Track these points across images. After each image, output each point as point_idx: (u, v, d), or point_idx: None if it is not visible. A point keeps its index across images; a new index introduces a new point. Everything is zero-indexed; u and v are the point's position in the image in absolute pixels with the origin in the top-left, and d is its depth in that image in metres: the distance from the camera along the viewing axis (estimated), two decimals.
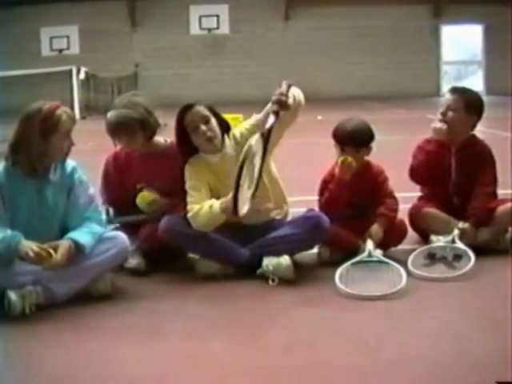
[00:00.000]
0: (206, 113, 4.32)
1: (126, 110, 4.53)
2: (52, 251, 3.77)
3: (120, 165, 4.73)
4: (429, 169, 4.75)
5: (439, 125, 4.73)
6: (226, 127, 4.43)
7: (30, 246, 3.74)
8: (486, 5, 26.85)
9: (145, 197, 4.51)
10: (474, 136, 4.89)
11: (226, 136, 4.41)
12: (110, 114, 4.60)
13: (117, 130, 4.56)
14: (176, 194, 4.43)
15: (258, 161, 3.80)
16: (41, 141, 3.87)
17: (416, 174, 4.85)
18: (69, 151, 4.01)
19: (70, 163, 4.12)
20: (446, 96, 4.89)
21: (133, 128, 4.54)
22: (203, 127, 4.28)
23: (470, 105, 4.77)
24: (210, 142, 4.31)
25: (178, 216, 4.29)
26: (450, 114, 4.72)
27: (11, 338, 3.52)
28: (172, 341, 3.42)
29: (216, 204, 4.12)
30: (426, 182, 4.86)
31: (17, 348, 3.40)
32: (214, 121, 4.33)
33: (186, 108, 4.33)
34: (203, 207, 4.17)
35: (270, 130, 3.84)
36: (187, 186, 4.33)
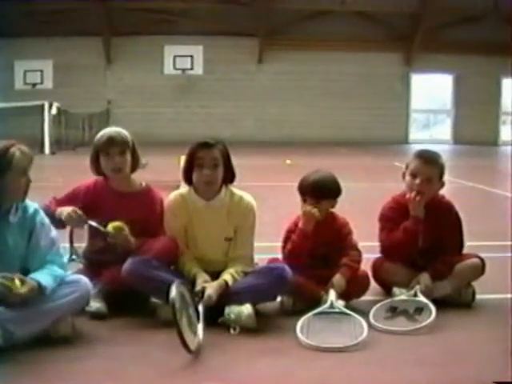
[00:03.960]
0: (218, 158, 4.39)
1: (121, 129, 4.62)
2: (18, 281, 3.74)
3: (91, 195, 4.69)
4: (404, 246, 4.76)
5: (417, 198, 4.66)
6: (230, 178, 4.51)
7: None
8: (456, 54, 27.34)
9: (115, 224, 4.46)
10: (437, 195, 4.92)
11: (224, 187, 4.47)
12: (105, 130, 4.67)
13: (114, 142, 4.57)
14: (145, 236, 4.49)
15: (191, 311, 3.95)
16: None
17: (391, 254, 4.84)
18: (27, 189, 3.96)
19: (32, 205, 4.10)
20: (415, 163, 4.78)
21: (128, 145, 4.61)
22: (207, 171, 4.34)
23: (442, 172, 4.83)
24: (207, 186, 4.41)
25: (142, 259, 4.30)
26: (427, 184, 4.72)
27: None
28: None
29: (197, 280, 4.29)
30: (400, 258, 4.83)
31: None
32: (221, 169, 4.40)
33: (204, 145, 4.40)
34: (191, 269, 4.39)
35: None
36: (166, 227, 4.53)
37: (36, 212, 4.09)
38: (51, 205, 4.53)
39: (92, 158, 4.69)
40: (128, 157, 4.65)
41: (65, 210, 4.44)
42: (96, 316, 4.31)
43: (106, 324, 4.28)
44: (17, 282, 3.74)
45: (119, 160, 4.61)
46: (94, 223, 4.51)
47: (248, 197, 4.60)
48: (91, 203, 4.62)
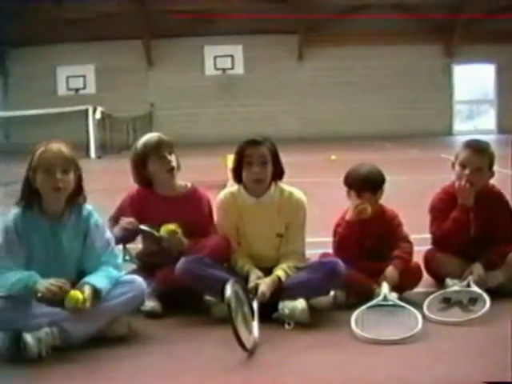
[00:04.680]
0: (266, 155, 4.42)
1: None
2: (76, 291, 3.81)
3: (137, 204, 4.73)
4: (454, 236, 4.74)
5: (467, 185, 4.65)
6: (279, 175, 4.53)
7: (46, 284, 3.79)
8: (497, 44, 26.98)
9: (168, 227, 4.50)
10: (487, 185, 4.89)
11: (273, 183, 4.49)
12: (146, 137, 4.75)
13: (160, 145, 4.63)
14: (195, 237, 4.53)
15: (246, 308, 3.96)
16: (34, 177, 3.97)
17: (442, 245, 4.83)
18: (55, 186, 3.97)
19: (87, 207, 4.16)
20: (465, 153, 4.76)
21: (173, 148, 4.66)
22: (256, 168, 4.37)
23: (492, 162, 4.81)
24: (257, 183, 4.44)
25: (195, 257, 4.33)
26: (477, 174, 4.70)
27: (29, 382, 3.51)
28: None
29: (250, 277, 4.31)
30: (451, 248, 4.81)
31: None
32: (270, 165, 4.43)
33: (252, 142, 4.43)
34: (243, 266, 4.42)
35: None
36: (217, 225, 4.61)
37: (90, 214, 4.15)
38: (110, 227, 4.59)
39: (137, 166, 4.71)
40: (172, 161, 4.70)
41: (118, 226, 4.55)
42: (151, 315, 4.36)
43: (161, 323, 4.32)
44: (78, 295, 3.81)
45: (172, 159, 4.66)
46: (147, 228, 4.56)
47: (298, 192, 4.60)
48: (139, 212, 4.66)
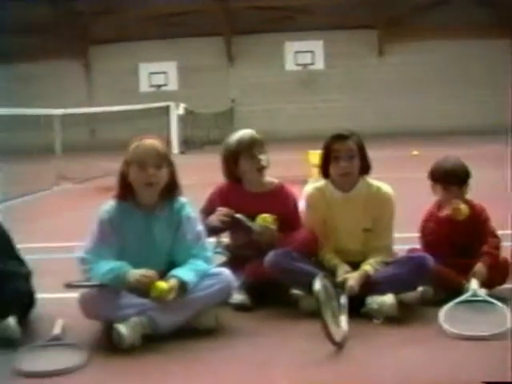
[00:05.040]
0: (353, 150, 4.42)
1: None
2: (161, 282, 3.89)
3: (226, 198, 4.78)
4: None
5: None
6: (366, 169, 4.54)
7: (136, 275, 3.89)
8: None
9: (266, 218, 4.55)
10: None
11: (360, 178, 4.51)
12: (238, 134, 4.78)
13: (253, 144, 4.68)
14: (285, 231, 4.57)
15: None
16: (128, 171, 4.08)
17: None
18: (147, 181, 4.08)
19: (180, 200, 4.23)
20: None
21: (264, 147, 4.73)
22: (344, 162, 4.39)
23: None
24: (344, 178, 4.44)
25: (284, 251, 4.36)
26: None
27: (121, 371, 3.61)
28: (276, 376, 3.45)
29: (338, 272, 4.32)
30: None
31: (130, 382, 3.49)
32: (357, 160, 4.44)
33: (339, 137, 4.44)
34: (331, 260, 4.43)
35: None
36: (305, 220, 4.59)
37: (183, 206, 4.22)
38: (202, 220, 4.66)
39: (228, 162, 4.78)
40: (264, 158, 4.75)
41: (213, 217, 4.61)
42: (240, 308, 4.42)
43: (249, 315, 4.37)
44: (163, 285, 3.89)
45: (263, 158, 4.71)
46: (243, 217, 4.60)
47: (386, 187, 4.59)
48: (227, 205, 4.70)
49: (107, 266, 3.94)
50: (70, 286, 4.06)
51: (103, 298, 3.93)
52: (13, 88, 28.57)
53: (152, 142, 4.14)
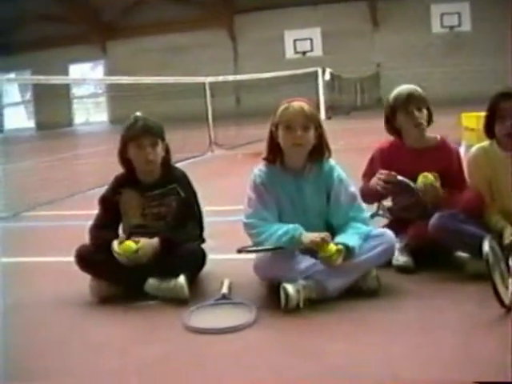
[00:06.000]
0: None
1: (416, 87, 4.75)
2: (333, 245, 3.92)
3: (388, 157, 4.77)
4: None
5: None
6: None
7: (311, 236, 3.92)
8: None
9: (428, 176, 4.50)
10: None
11: None
12: (400, 88, 4.75)
13: (409, 101, 4.66)
14: (447, 189, 4.51)
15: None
16: (275, 132, 4.13)
17: None
18: (295, 141, 4.10)
19: (329, 162, 4.25)
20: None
21: (425, 103, 4.70)
22: (510, 122, 4.25)
23: None
24: (510, 137, 4.28)
25: (450, 213, 4.30)
26: None
27: (289, 330, 3.66)
28: (446, 340, 3.38)
29: (505, 234, 4.16)
30: None
31: (300, 340, 3.54)
32: None
33: (506, 95, 4.30)
34: (497, 222, 4.28)
35: None
36: (470, 181, 4.48)
37: (332, 168, 4.23)
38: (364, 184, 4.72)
39: (387, 117, 4.78)
40: (425, 112, 4.69)
41: (374, 180, 4.59)
42: (403, 270, 4.39)
43: (412, 277, 4.33)
44: (332, 248, 3.91)
45: (419, 115, 4.65)
46: (405, 179, 4.54)
47: None
48: (389, 164, 4.67)
49: (281, 229, 3.99)
50: (243, 251, 4.13)
51: (279, 260, 4.00)
52: (163, 58, 29.30)
53: (300, 104, 4.15)
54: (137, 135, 4.37)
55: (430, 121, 4.73)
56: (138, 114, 4.51)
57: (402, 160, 4.67)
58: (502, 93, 4.32)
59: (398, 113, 4.68)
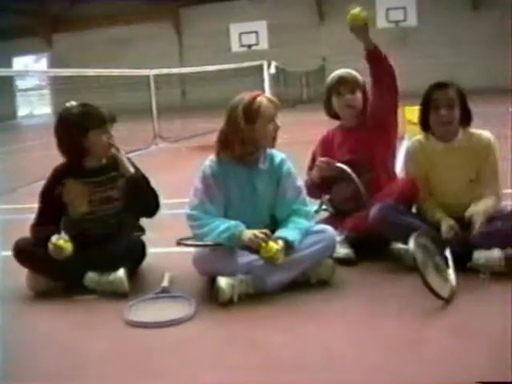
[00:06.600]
0: (454, 98, 4.34)
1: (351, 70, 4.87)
2: (273, 243, 3.92)
3: (327, 144, 4.92)
4: None
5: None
6: (467, 120, 4.43)
7: (251, 234, 3.92)
8: None
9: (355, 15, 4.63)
10: None
11: (461, 129, 4.43)
12: (336, 72, 4.87)
13: (340, 84, 4.77)
14: (376, 168, 4.68)
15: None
16: (246, 127, 4.04)
17: None
18: (275, 135, 4.14)
19: (279, 155, 4.26)
20: None
21: (356, 85, 4.79)
22: (444, 111, 4.32)
23: None
24: (444, 126, 4.36)
25: (389, 205, 4.34)
26: None
27: (228, 322, 3.68)
28: (388, 328, 3.44)
29: (442, 226, 4.21)
30: None
31: (241, 332, 3.54)
32: (457, 109, 4.35)
33: (439, 85, 4.37)
34: (434, 214, 4.34)
35: None
36: (406, 174, 4.57)
37: (282, 161, 4.24)
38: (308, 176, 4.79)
39: (325, 97, 4.90)
40: (358, 95, 4.78)
41: (314, 169, 4.70)
42: (345, 261, 4.42)
43: (353, 269, 4.37)
44: (275, 247, 3.92)
45: (350, 97, 4.75)
46: (342, 165, 4.64)
47: (487, 134, 4.46)
48: (328, 151, 4.81)
49: (223, 225, 3.99)
50: (181, 244, 4.16)
51: (218, 256, 4.01)
52: (109, 51, 29.04)
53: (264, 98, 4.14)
54: (103, 122, 4.33)
55: (365, 104, 4.82)
56: (74, 103, 4.43)
57: (341, 142, 4.82)
58: (435, 84, 4.38)
59: (332, 95, 4.82)
